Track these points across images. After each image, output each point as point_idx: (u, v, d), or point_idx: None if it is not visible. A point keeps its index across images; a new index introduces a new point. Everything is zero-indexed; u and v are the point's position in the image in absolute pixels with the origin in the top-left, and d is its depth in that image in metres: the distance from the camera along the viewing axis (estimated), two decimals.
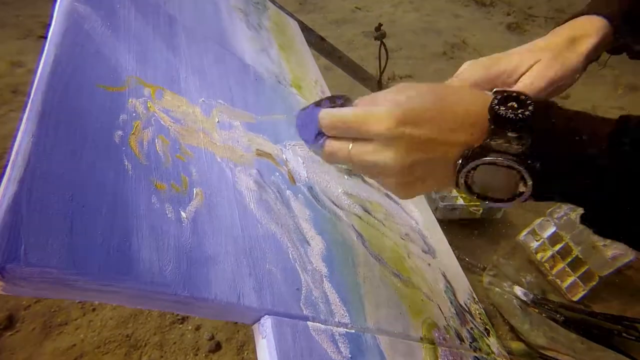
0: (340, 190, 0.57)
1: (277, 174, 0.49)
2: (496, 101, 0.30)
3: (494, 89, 0.31)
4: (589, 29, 0.44)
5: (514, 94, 0.30)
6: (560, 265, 1.06)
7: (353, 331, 0.41)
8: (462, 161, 0.31)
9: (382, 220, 0.60)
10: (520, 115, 0.29)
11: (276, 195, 0.46)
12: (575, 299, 1.06)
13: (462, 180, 0.32)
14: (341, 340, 0.39)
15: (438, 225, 0.77)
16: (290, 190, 0.48)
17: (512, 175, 0.30)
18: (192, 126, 0.42)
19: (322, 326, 0.38)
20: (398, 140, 0.32)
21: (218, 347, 0.80)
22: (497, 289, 0.96)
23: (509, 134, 0.29)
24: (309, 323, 0.37)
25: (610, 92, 1.74)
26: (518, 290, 0.95)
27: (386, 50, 1.27)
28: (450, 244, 1.15)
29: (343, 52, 1.36)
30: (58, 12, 0.36)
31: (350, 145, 0.34)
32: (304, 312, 0.38)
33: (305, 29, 1.16)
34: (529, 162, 0.29)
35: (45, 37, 0.34)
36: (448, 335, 0.54)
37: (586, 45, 0.43)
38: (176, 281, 0.30)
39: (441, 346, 0.51)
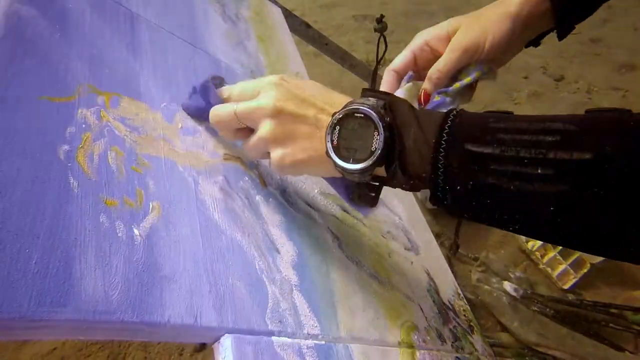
0: (316, 191, 0.55)
1: (247, 178, 0.47)
2: (362, 93, 0.37)
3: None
4: None
5: (375, 92, 0.36)
6: (551, 254, 1.05)
7: (323, 342, 0.40)
8: (330, 123, 0.35)
9: (361, 219, 0.59)
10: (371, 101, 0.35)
11: (244, 202, 0.44)
12: (566, 287, 1.05)
13: (329, 144, 0.35)
14: (309, 353, 0.38)
15: (424, 219, 0.75)
16: (260, 195, 0.47)
17: (369, 129, 0.34)
18: (152, 134, 0.40)
19: (289, 340, 0.37)
20: (277, 86, 0.38)
21: (203, 346, 0.79)
22: (486, 286, 0.96)
23: (369, 97, 0.35)
24: (274, 338, 0.36)
25: (606, 72, 1.70)
26: (507, 286, 0.94)
27: (386, 43, 1.24)
28: (442, 234, 1.14)
29: (332, 36, 1.33)
30: None
31: (236, 105, 0.40)
32: (269, 326, 0.36)
33: (289, 15, 1.13)
34: (381, 112, 0.33)
35: None
36: (429, 337, 0.53)
37: (513, 7, 0.42)
38: (123, 307, 0.28)
39: (420, 349, 0.50)
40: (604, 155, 0.26)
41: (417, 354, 0.49)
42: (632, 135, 0.26)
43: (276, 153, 0.39)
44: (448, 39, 0.45)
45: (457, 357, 0.54)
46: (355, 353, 0.42)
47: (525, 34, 0.44)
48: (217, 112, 0.42)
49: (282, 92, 0.38)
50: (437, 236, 1.12)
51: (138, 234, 0.33)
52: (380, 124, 0.33)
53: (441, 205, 0.33)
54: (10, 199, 0.27)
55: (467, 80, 0.45)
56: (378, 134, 0.33)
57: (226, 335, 0.33)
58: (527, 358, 0.78)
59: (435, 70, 0.45)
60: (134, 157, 0.37)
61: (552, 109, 1.58)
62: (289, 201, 0.50)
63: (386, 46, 1.32)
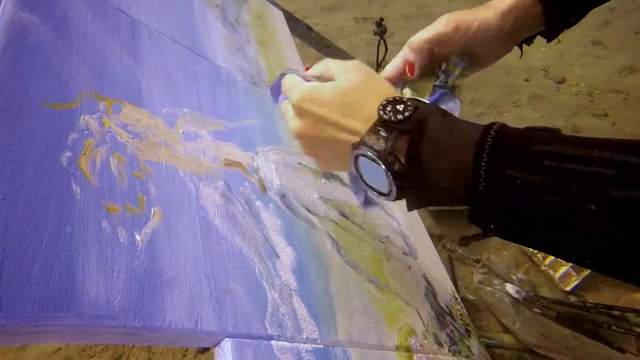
0: (315, 196, 0.56)
1: (247, 183, 0.47)
2: (385, 102, 0.33)
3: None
4: None
5: (404, 99, 0.33)
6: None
7: (322, 346, 0.40)
8: (349, 150, 0.35)
9: (360, 224, 0.59)
10: (392, 118, 0.32)
11: (244, 208, 0.44)
12: (568, 288, 1.05)
13: (352, 168, 0.35)
14: (308, 357, 0.38)
15: (421, 222, 0.75)
16: (260, 200, 0.47)
17: (380, 171, 0.32)
18: (153, 140, 0.41)
19: (288, 344, 0.37)
20: (301, 112, 0.38)
21: (206, 348, 0.80)
22: (488, 287, 0.96)
23: (381, 133, 0.32)
24: (273, 342, 0.36)
25: (607, 74, 1.70)
26: (510, 288, 0.94)
27: (386, 46, 1.24)
28: (442, 236, 1.14)
29: (334, 39, 1.34)
30: None
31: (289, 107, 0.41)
32: (269, 331, 0.37)
33: (291, 18, 1.13)
34: (388, 160, 0.31)
35: None
36: (426, 341, 0.53)
37: (505, 5, 0.43)
38: (125, 312, 0.29)
39: (417, 353, 0.50)
40: None
41: (415, 357, 0.49)
42: None
43: (318, 164, 0.44)
44: (433, 36, 0.45)
45: None
46: (354, 357, 0.42)
47: (514, 34, 0.44)
48: (282, 109, 0.44)
49: (297, 120, 0.39)
50: (439, 238, 1.12)
51: (140, 239, 0.33)
52: (386, 171, 0.32)
53: (480, 226, 0.31)
54: (15, 205, 0.27)
55: (458, 72, 0.46)
56: (387, 176, 0.32)
57: (226, 339, 0.33)
58: None
59: (417, 38, 0.45)
60: (135, 163, 0.37)
61: (553, 111, 1.58)
62: (288, 206, 0.50)
63: (386, 49, 1.32)
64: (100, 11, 0.45)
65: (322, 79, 0.40)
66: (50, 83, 0.35)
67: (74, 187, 0.31)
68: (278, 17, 0.96)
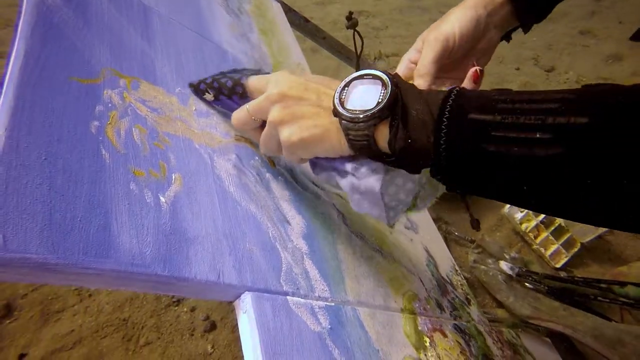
0: None
1: (257, 157, 0.50)
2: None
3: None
4: None
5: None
6: (544, 234, 1.10)
7: (333, 304, 0.43)
8: (339, 85, 0.38)
9: None
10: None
11: (256, 178, 0.47)
12: (558, 265, 1.10)
13: (337, 101, 0.37)
14: (321, 312, 0.41)
15: None
16: (270, 172, 0.50)
17: (377, 87, 0.36)
18: (170, 115, 0.43)
19: (302, 300, 0.40)
20: (282, 76, 0.42)
21: (213, 326, 0.83)
22: (482, 266, 1.00)
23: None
24: (289, 298, 0.39)
25: (594, 62, 1.75)
26: (503, 265, 0.98)
27: (361, 37, 1.27)
28: (439, 219, 1.18)
29: (328, 32, 1.36)
30: (26, 5, 0.37)
31: (247, 105, 0.44)
32: (284, 287, 0.40)
33: (289, 10, 1.16)
34: (390, 73, 0.36)
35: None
36: (429, 306, 0.56)
37: (472, 2, 0.47)
38: (156, 262, 0.31)
39: (421, 315, 0.53)
40: (598, 118, 0.26)
41: (419, 319, 0.52)
42: (625, 99, 0.27)
43: (284, 134, 0.41)
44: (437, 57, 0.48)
45: (455, 324, 0.58)
46: (363, 315, 0.45)
47: (493, 31, 0.48)
48: (236, 117, 0.46)
49: (286, 80, 0.41)
50: (435, 221, 1.16)
51: (164, 201, 0.36)
52: (388, 79, 0.36)
53: (442, 177, 0.34)
54: (55, 164, 0.30)
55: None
56: (385, 89, 0.35)
57: (246, 292, 0.36)
58: (520, 329, 0.82)
59: (420, 65, 0.47)
60: (155, 135, 0.40)
61: None
62: (296, 180, 0.53)
63: (362, 40, 1.34)
64: None
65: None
66: (75, 59, 0.38)
67: (103, 153, 0.34)
68: (276, 8, 0.99)
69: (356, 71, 0.39)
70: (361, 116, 0.35)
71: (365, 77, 0.37)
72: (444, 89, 0.50)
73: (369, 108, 0.35)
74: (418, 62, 0.47)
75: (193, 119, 0.46)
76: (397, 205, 0.42)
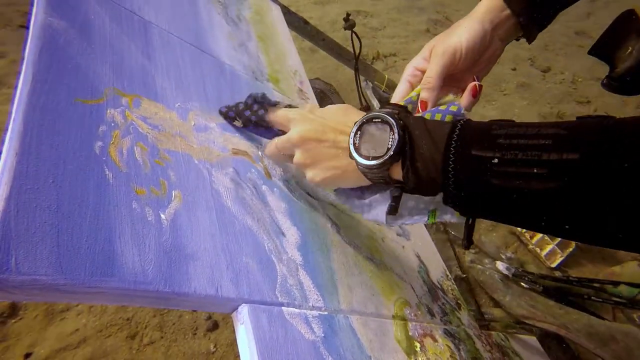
0: None
1: (253, 170, 0.52)
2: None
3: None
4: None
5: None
6: (540, 235, 1.12)
7: (326, 313, 0.45)
8: (352, 129, 0.41)
9: None
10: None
11: (252, 191, 0.49)
12: (553, 265, 1.12)
13: (352, 147, 0.41)
14: (315, 321, 0.43)
15: None
16: (266, 185, 0.52)
17: (386, 132, 0.39)
18: (170, 131, 0.45)
19: (297, 310, 0.42)
20: (302, 116, 0.47)
21: (215, 326, 0.85)
22: (479, 266, 1.02)
23: (385, 108, 0.42)
24: (284, 308, 0.41)
25: (589, 63, 1.76)
26: (500, 265, 1.01)
27: (359, 38, 1.28)
28: (431, 226, 1.20)
29: (327, 32, 1.37)
30: (33, 29, 0.38)
31: (276, 140, 0.50)
32: (279, 299, 0.42)
33: (288, 12, 1.17)
34: (396, 115, 0.39)
35: (27, 27, 0.36)
36: (419, 312, 0.58)
37: (479, 14, 0.49)
38: (157, 279, 0.33)
39: (412, 321, 0.55)
40: (588, 154, 0.29)
41: (410, 325, 0.54)
42: (612, 136, 0.29)
43: (309, 174, 0.47)
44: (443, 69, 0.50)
45: (445, 328, 0.60)
46: (355, 323, 0.47)
47: (498, 43, 0.50)
48: (268, 151, 0.53)
49: (305, 123, 0.46)
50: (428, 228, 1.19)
51: (165, 218, 0.37)
52: (395, 124, 0.38)
53: (453, 204, 0.38)
54: (61, 187, 0.31)
55: (452, 107, 0.50)
56: (393, 134, 0.38)
57: (243, 304, 0.38)
58: (514, 330, 0.85)
59: (427, 78, 0.49)
60: (156, 152, 0.42)
61: (539, 99, 1.64)
62: (291, 191, 0.55)
63: (360, 41, 1.35)
64: (115, 14, 0.49)
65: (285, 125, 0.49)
66: (80, 81, 0.39)
67: (107, 172, 0.36)
68: (276, 11, 1.00)
69: (355, 72, 0.44)
70: (374, 163, 0.39)
71: (374, 120, 0.40)
72: (447, 99, 0.52)
73: (381, 155, 0.39)
74: (425, 73, 0.50)
75: (192, 134, 0.48)
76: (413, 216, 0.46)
